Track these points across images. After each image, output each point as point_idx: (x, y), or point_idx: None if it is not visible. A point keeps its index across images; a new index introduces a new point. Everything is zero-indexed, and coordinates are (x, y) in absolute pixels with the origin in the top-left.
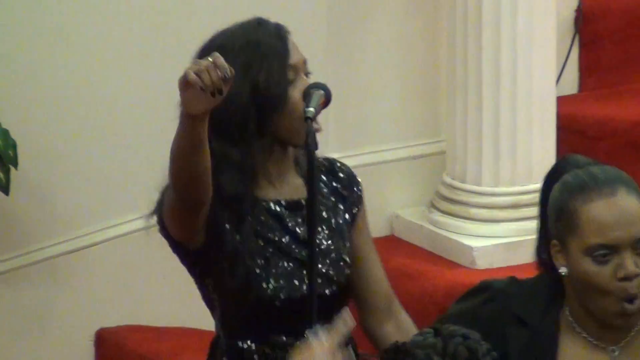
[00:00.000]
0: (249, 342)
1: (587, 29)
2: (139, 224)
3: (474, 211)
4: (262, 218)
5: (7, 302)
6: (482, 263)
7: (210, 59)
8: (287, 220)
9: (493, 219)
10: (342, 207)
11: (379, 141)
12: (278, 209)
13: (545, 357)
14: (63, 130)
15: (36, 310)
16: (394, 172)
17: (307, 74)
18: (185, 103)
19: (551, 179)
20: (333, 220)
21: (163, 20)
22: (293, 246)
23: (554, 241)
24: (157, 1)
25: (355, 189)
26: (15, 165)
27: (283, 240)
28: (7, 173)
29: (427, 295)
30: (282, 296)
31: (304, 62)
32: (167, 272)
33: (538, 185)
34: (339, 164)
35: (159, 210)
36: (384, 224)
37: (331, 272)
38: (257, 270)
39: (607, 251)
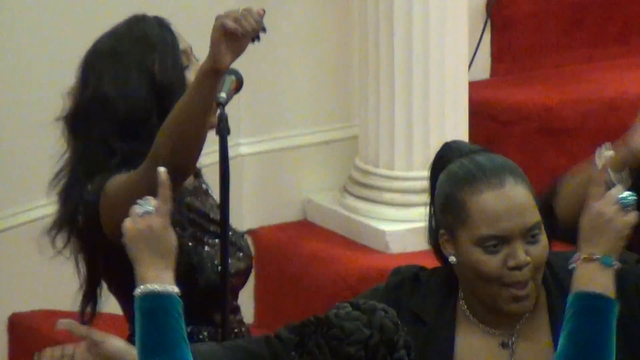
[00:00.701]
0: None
1: (499, 13)
2: (51, 209)
3: (387, 196)
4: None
5: None
6: (395, 247)
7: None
8: (196, 204)
9: (406, 204)
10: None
11: (291, 126)
12: (188, 195)
13: (442, 352)
14: None
15: None
16: (307, 156)
17: (196, 60)
18: (215, 57)
19: (436, 167)
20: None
21: None
22: (210, 226)
23: (442, 230)
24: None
25: None
26: None
27: (202, 222)
28: None
29: (341, 280)
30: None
31: (191, 48)
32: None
33: None
34: None
35: (81, 212)
36: (297, 209)
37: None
38: (202, 255)
39: (498, 242)
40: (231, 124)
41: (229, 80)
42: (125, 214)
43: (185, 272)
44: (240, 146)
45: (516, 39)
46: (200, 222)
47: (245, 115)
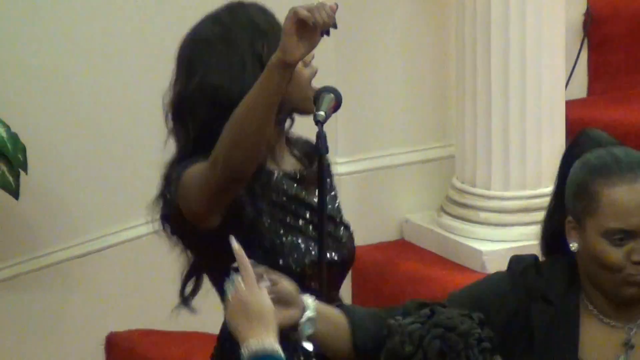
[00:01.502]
0: None
1: (595, 32)
2: (149, 227)
3: (483, 215)
4: (273, 188)
5: (17, 307)
6: (492, 267)
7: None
8: (294, 189)
9: (503, 223)
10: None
11: (388, 145)
12: (284, 179)
13: (569, 336)
14: (72, 134)
15: (46, 314)
16: (404, 176)
17: None
18: (287, 48)
19: (571, 153)
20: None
21: (171, 27)
22: (305, 213)
23: (569, 217)
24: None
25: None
26: (25, 169)
27: (293, 207)
28: (16, 177)
29: (437, 300)
30: (307, 261)
31: None
32: (177, 276)
33: (548, 189)
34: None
35: (168, 195)
36: (394, 228)
37: (341, 234)
38: (280, 241)
39: (625, 235)
40: (329, 142)
41: (328, 99)
42: (197, 204)
43: (265, 252)
44: (338, 165)
45: (613, 57)
46: (292, 207)
47: (343, 134)
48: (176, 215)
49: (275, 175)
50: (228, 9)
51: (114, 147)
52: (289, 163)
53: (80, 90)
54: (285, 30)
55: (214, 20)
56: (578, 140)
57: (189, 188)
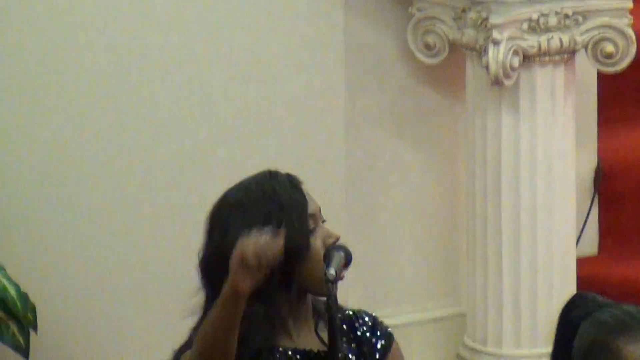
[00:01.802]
0: None
1: (607, 188)
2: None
3: None
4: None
5: None
6: None
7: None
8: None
9: None
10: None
11: (398, 303)
12: (295, 357)
13: None
14: (81, 294)
15: None
16: (414, 334)
17: (323, 221)
18: (234, 282)
19: (568, 316)
20: None
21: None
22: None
23: None
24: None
25: (378, 333)
26: (35, 329)
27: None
28: (26, 337)
29: None
30: None
31: (320, 209)
32: None
33: None
34: (361, 320)
35: None
36: None
37: None
38: None
39: None
40: (339, 300)
41: (338, 257)
42: None
43: None
44: None
45: (624, 214)
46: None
47: (353, 292)
48: None
49: (282, 353)
50: (258, 177)
51: (121, 304)
52: (307, 340)
53: (90, 249)
54: (231, 266)
55: (241, 186)
56: (575, 302)
57: None
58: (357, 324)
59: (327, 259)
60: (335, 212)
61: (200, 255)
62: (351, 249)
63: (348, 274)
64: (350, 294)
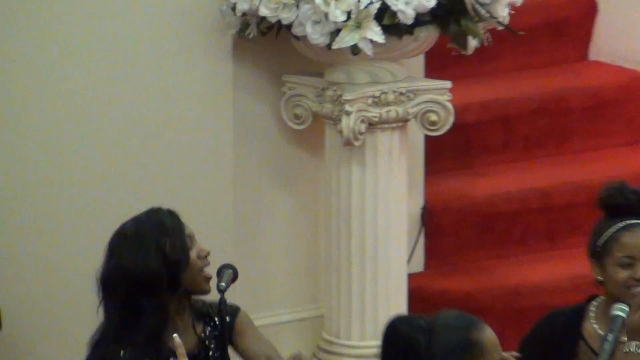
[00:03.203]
0: None
1: (431, 221)
2: None
3: None
4: None
5: None
6: None
7: None
8: None
9: None
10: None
11: (272, 306)
12: None
13: None
14: (46, 296)
15: None
16: (285, 330)
17: (196, 241)
18: None
19: (396, 340)
20: None
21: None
22: None
23: None
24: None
25: (226, 312)
26: None
27: None
28: None
29: None
30: None
31: (193, 234)
32: None
33: None
34: (216, 308)
35: None
36: None
37: None
38: None
39: None
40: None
41: (228, 273)
42: None
43: None
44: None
45: (444, 241)
46: None
47: (240, 297)
48: None
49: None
50: (146, 213)
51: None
52: (189, 340)
53: (55, 251)
54: None
55: (134, 219)
56: (397, 328)
57: None
58: (212, 312)
59: (219, 274)
60: (224, 237)
61: (99, 273)
62: (237, 266)
63: (236, 285)
64: (238, 299)
